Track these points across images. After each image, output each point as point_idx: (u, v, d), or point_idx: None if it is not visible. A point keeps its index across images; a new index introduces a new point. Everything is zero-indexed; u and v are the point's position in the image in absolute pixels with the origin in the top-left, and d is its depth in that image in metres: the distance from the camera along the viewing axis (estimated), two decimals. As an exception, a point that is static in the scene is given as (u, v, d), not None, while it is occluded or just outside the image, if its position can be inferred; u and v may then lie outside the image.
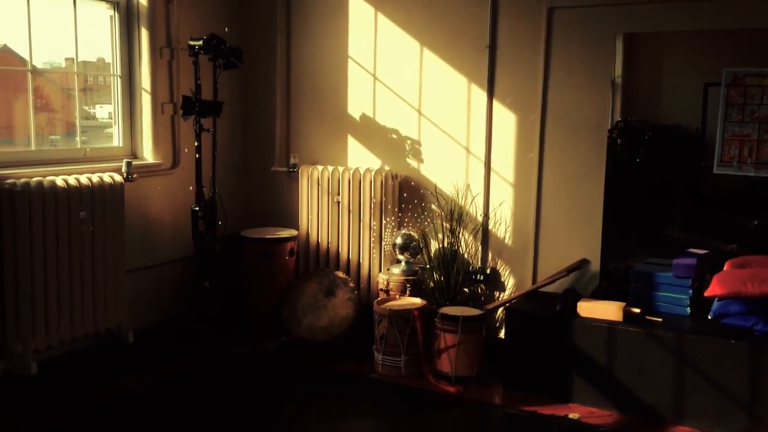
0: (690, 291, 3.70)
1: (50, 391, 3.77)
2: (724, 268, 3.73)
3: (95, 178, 3.96)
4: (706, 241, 3.95)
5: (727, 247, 3.89)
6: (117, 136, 4.47)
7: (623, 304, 3.71)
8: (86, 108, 4.45)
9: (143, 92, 4.47)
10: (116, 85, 4.44)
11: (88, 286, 3.93)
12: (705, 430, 3.44)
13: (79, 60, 4.26)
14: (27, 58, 3.91)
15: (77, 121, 4.23)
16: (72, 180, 3.84)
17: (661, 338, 3.52)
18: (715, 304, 3.60)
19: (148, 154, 4.52)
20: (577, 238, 4.19)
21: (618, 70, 4.09)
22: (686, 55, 4.02)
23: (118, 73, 4.42)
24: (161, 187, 4.58)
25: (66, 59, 4.27)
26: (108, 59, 4.43)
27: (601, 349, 3.67)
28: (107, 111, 4.49)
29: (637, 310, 3.72)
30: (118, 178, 4.08)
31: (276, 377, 4.14)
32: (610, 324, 3.65)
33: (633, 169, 4.01)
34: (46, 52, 4.12)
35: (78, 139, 4.23)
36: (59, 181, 3.77)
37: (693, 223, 4.09)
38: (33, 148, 3.96)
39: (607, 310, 3.69)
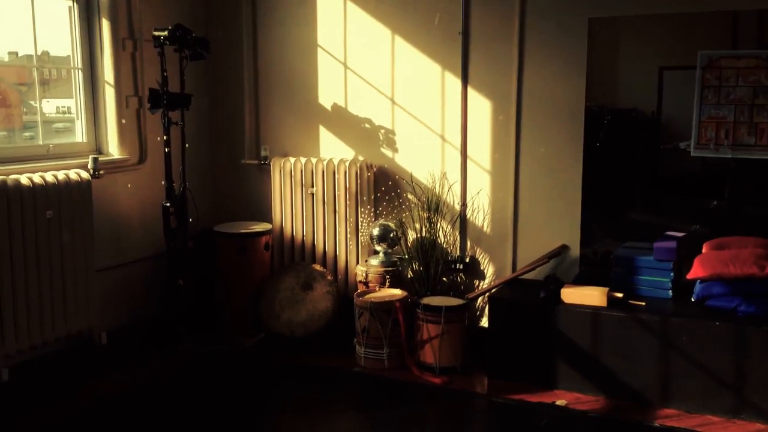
0: (671, 274, 3.72)
1: (24, 398, 3.61)
2: (703, 250, 3.75)
3: (60, 175, 3.80)
4: (670, 222, 3.98)
5: (690, 228, 3.92)
6: (80, 131, 4.30)
7: (606, 289, 3.71)
8: (48, 102, 4.27)
9: (106, 85, 4.31)
10: (77, 79, 4.27)
11: (58, 287, 3.77)
12: (692, 413, 3.46)
13: (40, 54, 4.07)
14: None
15: (37, 116, 4.05)
16: (37, 178, 3.67)
17: (645, 322, 3.53)
18: (698, 287, 3.62)
19: (113, 150, 4.36)
20: (556, 224, 4.17)
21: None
22: (641, 39, 4.02)
23: (79, 66, 4.25)
24: (129, 183, 4.43)
25: (27, 55, 4.08)
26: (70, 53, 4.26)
27: (585, 334, 3.66)
28: (67, 105, 4.31)
29: (620, 295, 3.72)
30: (84, 174, 3.92)
31: (256, 375, 4.04)
32: (594, 309, 3.64)
33: (595, 153, 4.04)
34: (5, 46, 3.94)
35: (39, 134, 4.05)
36: (24, 180, 3.60)
37: (657, 205, 4.13)
38: (-7, 146, 3.80)
39: (591, 296, 3.68)
